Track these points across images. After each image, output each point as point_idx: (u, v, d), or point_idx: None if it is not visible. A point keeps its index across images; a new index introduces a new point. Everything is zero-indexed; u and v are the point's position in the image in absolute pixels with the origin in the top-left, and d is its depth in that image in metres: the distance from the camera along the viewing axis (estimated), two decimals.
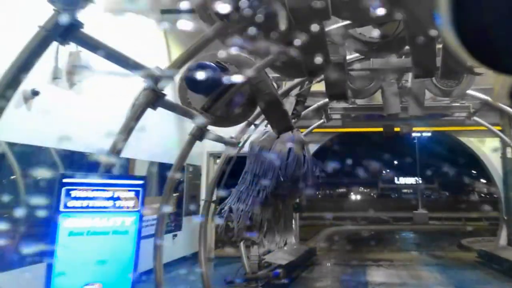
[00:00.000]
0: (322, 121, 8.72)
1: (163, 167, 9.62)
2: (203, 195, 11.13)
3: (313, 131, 9.41)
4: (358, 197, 50.83)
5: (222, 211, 5.83)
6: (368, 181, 53.15)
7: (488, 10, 0.79)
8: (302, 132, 7.25)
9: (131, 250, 3.13)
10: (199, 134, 4.37)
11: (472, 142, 10.70)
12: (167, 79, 3.28)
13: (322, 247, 13.02)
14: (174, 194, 9.40)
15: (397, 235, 19.45)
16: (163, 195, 4.31)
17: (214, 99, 4.31)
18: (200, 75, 4.17)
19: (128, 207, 3.15)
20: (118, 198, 3.11)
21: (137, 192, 3.19)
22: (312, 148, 11.38)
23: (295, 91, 6.07)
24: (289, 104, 6.22)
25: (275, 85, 4.89)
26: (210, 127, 4.62)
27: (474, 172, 47.16)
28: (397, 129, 9.66)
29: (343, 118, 8.51)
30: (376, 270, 9.30)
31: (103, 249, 3.03)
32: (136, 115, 3.25)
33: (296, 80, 5.60)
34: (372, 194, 53.20)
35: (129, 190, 3.16)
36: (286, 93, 5.63)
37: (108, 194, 3.07)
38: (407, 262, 10.22)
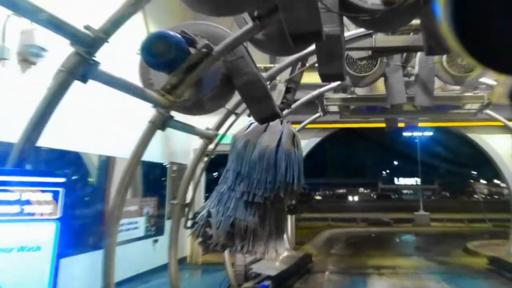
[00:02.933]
0: (318, 114, 7.87)
1: (151, 166, 8.81)
2: (189, 196, 10.30)
3: (307, 126, 8.57)
4: (358, 197, 50.19)
5: (199, 215, 4.98)
6: (367, 181, 52.57)
7: (488, 11, 0.81)
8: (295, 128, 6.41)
9: (46, 273, 2.26)
10: (161, 122, 3.52)
11: (481, 138, 9.86)
12: (100, 42, 2.43)
13: (319, 252, 12.18)
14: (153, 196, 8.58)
15: (398, 238, 18.64)
16: (116, 195, 3.46)
17: (178, 79, 3.46)
18: (160, 47, 3.34)
19: (42, 214, 2.29)
20: (27, 202, 2.25)
21: (55, 194, 2.33)
22: (307, 146, 10.55)
23: (285, 76, 5.22)
24: (278, 92, 5.38)
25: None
26: (177, 115, 3.77)
27: (480, 171, 46.68)
28: (401, 124, 8.83)
29: (341, 111, 7.66)
30: (378, 279, 8.45)
31: (3, 273, 2.17)
32: (58, 88, 2.40)
33: (286, 61, 4.75)
34: (372, 194, 52.67)
35: (44, 191, 2.30)
36: (272, 77, 4.77)
37: (13, 196, 2.22)
38: (411, 270, 9.37)
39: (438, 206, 30.94)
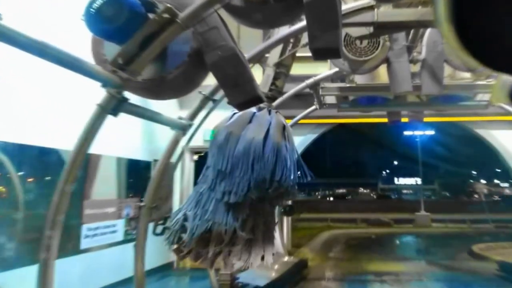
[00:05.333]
0: (313, 107, 7.17)
1: (132, 164, 8.15)
2: (176, 197, 9.63)
3: (302, 122, 7.87)
4: (357, 198, 49.57)
5: (174, 219, 4.30)
6: (367, 181, 51.90)
7: (488, 11, 0.82)
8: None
9: None
10: (112, 105, 2.82)
11: (490, 134, 9.19)
12: None
13: (316, 256, 11.49)
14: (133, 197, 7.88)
15: (399, 239, 18.00)
16: (56, 195, 2.76)
17: (133, 51, 2.77)
18: (108, 10, 2.65)
19: None
20: None
21: None
22: (303, 143, 9.88)
23: (274, 57, 4.53)
24: (265, 78, 4.69)
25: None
26: (134, 97, 3.07)
27: (480, 171, 46.15)
28: (404, 119, 8.14)
29: (339, 103, 6.96)
30: None
31: None
32: None
33: (272, 40, 4.05)
34: (371, 194, 52.13)
35: None
36: (256, 58, 4.06)
37: None
38: (415, 276, 8.69)
39: (439, 207, 30.34)
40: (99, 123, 2.83)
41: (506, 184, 46.03)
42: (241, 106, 3.23)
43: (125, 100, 2.87)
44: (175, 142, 4.00)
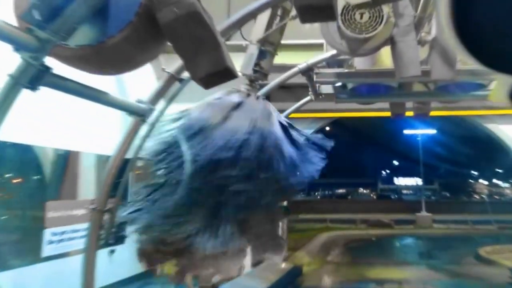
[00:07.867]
0: (308, 98, 6.46)
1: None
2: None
3: (296, 116, 7.13)
4: (357, 198, 48.94)
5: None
6: (367, 181, 51.20)
7: (488, 11, 0.81)
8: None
9: None
10: (30, 76, 2.10)
11: (500, 129, 8.50)
12: None
13: (313, 260, 10.77)
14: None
15: (400, 241, 17.31)
16: None
17: (56, 2, 2.06)
18: None
19: None
20: None
21: None
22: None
23: (258, 32, 3.82)
24: (248, 56, 3.97)
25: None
26: (62, 68, 2.36)
27: (480, 171, 45.57)
28: (409, 113, 7.43)
29: (336, 93, 6.23)
30: None
31: None
32: None
33: (252, 7, 3.32)
34: (371, 195, 51.56)
35: None
36: (230, 31, 3.32)
37: None
38: (420, 284, 7.98)
39: (439, 207, 29.72)
40: (11, 98, 2.11)
41: (506, 185, 45.54)
42: (205, 82, 2.49)
43: (46, 69, 2.15)
44: (133, 132, 3.28)
